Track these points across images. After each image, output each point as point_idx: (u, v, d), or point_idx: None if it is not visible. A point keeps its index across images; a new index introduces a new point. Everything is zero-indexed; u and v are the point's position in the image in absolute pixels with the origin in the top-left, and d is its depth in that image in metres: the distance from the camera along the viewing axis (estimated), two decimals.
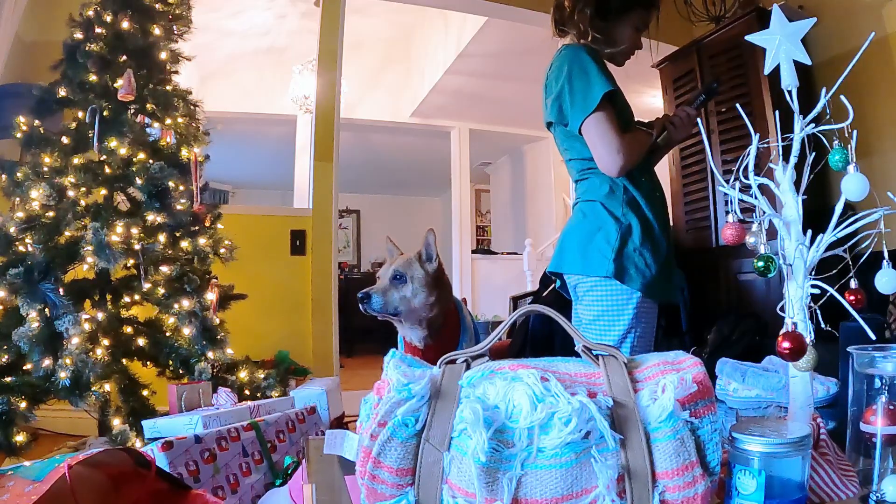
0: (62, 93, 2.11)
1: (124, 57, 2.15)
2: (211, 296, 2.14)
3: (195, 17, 2.47)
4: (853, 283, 0.82)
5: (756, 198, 0.82)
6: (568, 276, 1.53)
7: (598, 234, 1.44)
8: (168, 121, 2.23)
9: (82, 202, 2.01)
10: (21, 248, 1.95)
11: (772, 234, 0.80)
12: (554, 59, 1.51)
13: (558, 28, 1.56)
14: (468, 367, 0.68)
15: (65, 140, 2.07)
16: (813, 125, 0.82)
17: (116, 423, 1.83)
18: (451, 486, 0.58)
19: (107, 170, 2.09)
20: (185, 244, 2.18)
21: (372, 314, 1.70)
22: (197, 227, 2.21)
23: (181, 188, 2.17)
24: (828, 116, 0.82)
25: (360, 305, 1.68)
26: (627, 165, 1.40)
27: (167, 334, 2.10)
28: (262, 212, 3.53)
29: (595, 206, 1.47)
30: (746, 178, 0.83)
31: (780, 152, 0.83)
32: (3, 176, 2.03)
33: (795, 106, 0.83)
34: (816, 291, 0.79)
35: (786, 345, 0.73)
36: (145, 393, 1.98)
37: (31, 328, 1.80)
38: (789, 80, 0.84)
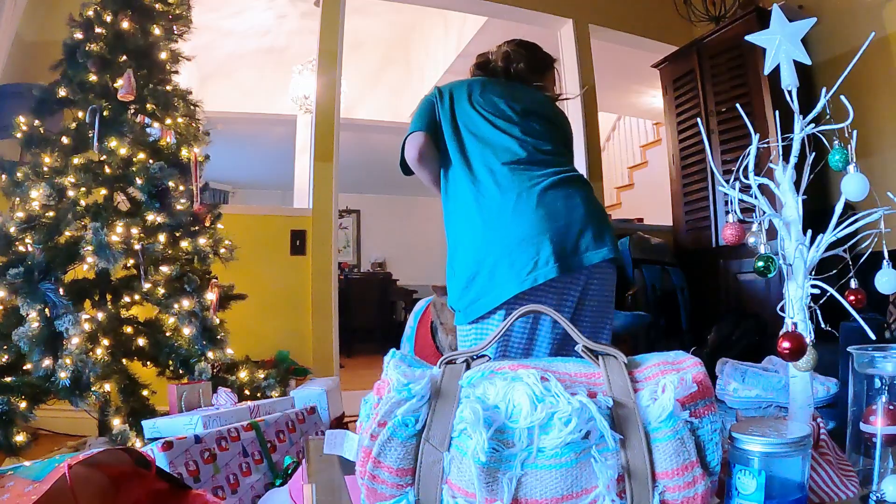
0: (62, 93, 2.11)
1: (124, 57, 2.15)
2: (211, 296, 2.14)
3: (195, 17, 2.47)
4: (853, 283, 0.82)
5: (756, 198, 0.82)
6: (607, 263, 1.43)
7: None
8: (168, 121, 2.23)
9: (82, 202, 2.01)
10: (21, 248, 1.95)
11: (772, 234, 0.80)
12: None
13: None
14: (468, 367, 0.68)
15: (65, 140, 2.07)
16: (813, 125, 0.82)
17: (116, 423, 1.83)
18: (451, 486, 0.58)
19: (107, 170, 2.09)
20: (185, 244, 2.17)
21: None
22: (197, 227, 2.21)
23: (181, 188, 2.17)
24: (828, 116, 0.82)
25: None
26: None
27: (167, 334, 2.10)
28: (262, 212, 3.52)
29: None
30: (746, 178, 0.83)
31: (780, 152, 0.83)
32: (3, 176, 2.02)
33: (795, 106, 0.83)
34: (816, 291, 0.79)
35: (786, 345, 0.73)
36: (145, 393, 1.97)
37: (31, 328, 1.80)
38: (789, 80, 0.84)
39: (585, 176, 3.52)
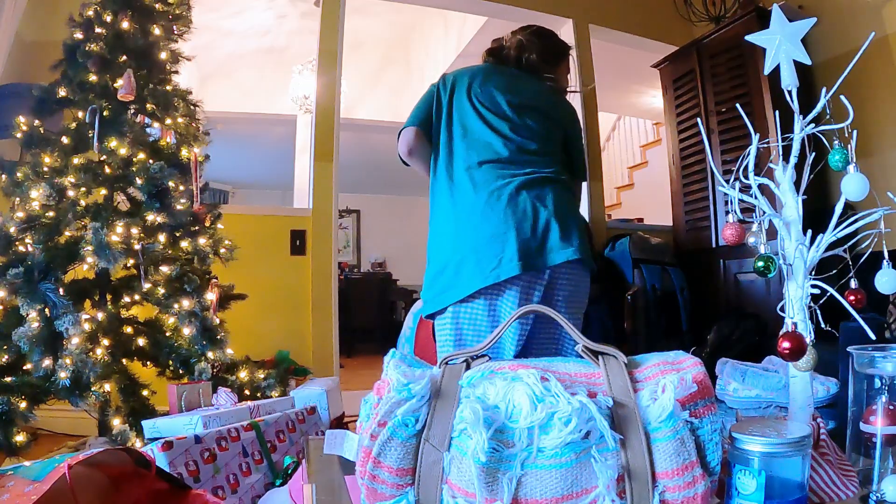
0: (62, 93, 2.10)
1: (124, 57, 2.15)
2: (211, 296, 2.14)
3: (195, 17, 2.47)
4: (853, 283, 0.82)
5: (756, 198, 0.82)
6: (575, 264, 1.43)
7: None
8: (168, 121, 2.23)
9: (82, 202, 2.01)
10: (21, 248, 1.95)
11: (772, 234, 0.80)
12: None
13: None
14: (468, 367, 0.68)
15: (65, 140, 2.07)
16: (813, 125, 0.82)
17: (116, 423, 1.83)
18: (451, 486, 0.58)
19: (107, 170, 2.09)
20: (185, 244, 2.17)
21: None
22: (197, 227, 2.21)
23: (181, 188, 2.16)
24: (828, 116, 0.82)
25: None
26: None
27: (167, 334, 2.10)
28: (262, 212, 3.52)
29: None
30: (746, 178, 0.83)
31: (780, 152, 0.83)
32: (3, 176, 2.02)
33: (795, 106, 0.83)
34: (816, 291, 0.79)
35: (786, 345, 0.73)
36: (145, 393, 1.97)
37: (31, 328, 1.80)
38: (789, 80, 0.84)
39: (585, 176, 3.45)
